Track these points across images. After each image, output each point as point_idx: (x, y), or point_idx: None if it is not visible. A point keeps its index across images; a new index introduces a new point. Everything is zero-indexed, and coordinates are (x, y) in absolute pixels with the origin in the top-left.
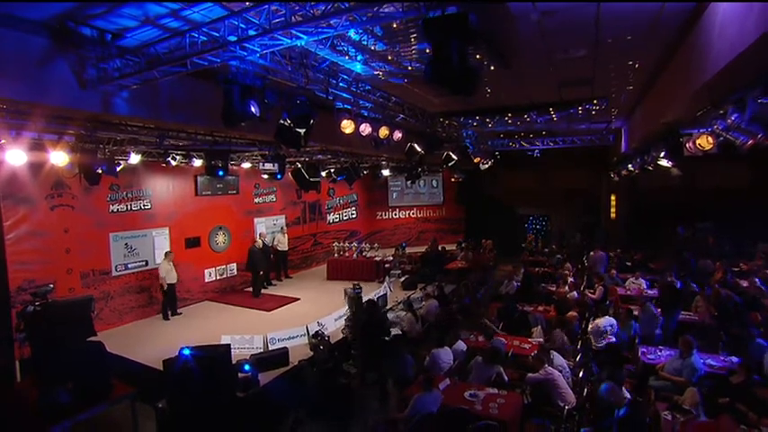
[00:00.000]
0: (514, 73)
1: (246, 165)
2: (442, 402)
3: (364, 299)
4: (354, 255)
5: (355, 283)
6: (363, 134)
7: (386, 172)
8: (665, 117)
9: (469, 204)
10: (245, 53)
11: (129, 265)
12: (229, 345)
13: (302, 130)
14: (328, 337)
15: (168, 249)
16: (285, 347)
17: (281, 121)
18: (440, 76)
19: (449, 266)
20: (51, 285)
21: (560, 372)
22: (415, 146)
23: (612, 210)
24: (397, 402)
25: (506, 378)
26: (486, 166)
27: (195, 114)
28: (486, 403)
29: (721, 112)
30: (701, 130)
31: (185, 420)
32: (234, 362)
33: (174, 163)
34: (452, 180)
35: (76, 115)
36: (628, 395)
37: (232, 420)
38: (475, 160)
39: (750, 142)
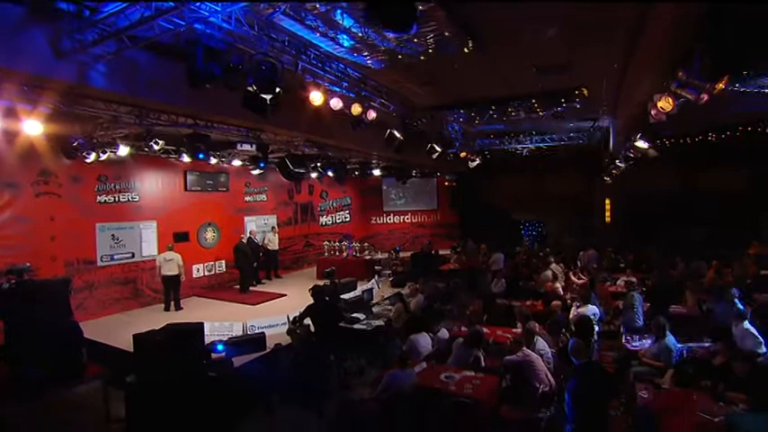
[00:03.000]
0: (491, 60)
1: (236, 162)
2: (417, 383)
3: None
4: (345, 254)
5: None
6: (335, 109)
7: (376, 172)
8: (638, 97)
9: (464, 209)
10: (207, 14)
11: (116, 257)
12: (202, 323)
13: (268, 97)
14: (308, 324)
15: (156, 242)
16: (262, 332)
17: (248, 88)
18: (377, 11)
19: (442, 268)
20: (28, 264)
21: (541, 355)
22: (395, 132)
23: (607, 214)
24: (373, 382)
25: (483, 363)
26: (475, 163)
27: (174, 94)
28: (461, 384)
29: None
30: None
31: (153, 394)
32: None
33: (156, 147)
34: (446, 184)
35: (52, 85)
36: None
37: (201, 398)
38: (461, 154)
39: (704, 97)
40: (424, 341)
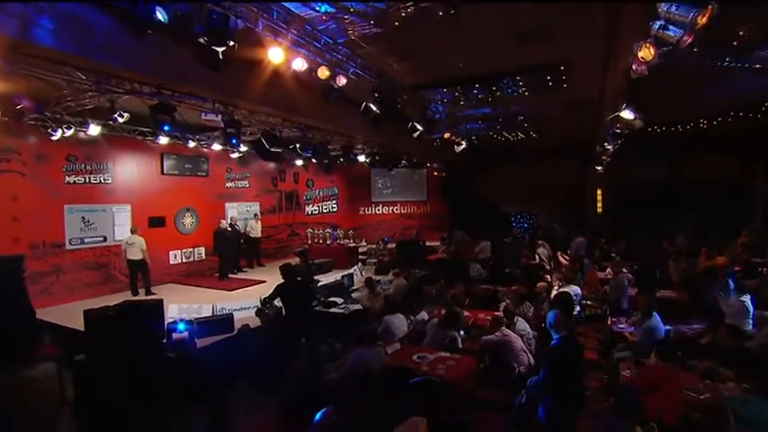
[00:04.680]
0: (472, 31)
1: (217, 147)
2: (385, 362)
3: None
4: (328, 241)
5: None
6: (300, 70)
7: (362, 158)
8: (622, 66)
9: (454, 201)
10: None
11: (86, 240)
12: (161, 300)
13: (220, 49)
14: (281, 307)
15: (130, 226)
16: (231, 313)
17: (199, 40)
18: None
19: (429, 258)
20: None
21: (522, 336)
22: (371, 105)
23: (599, 204)
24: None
25: (461, 344)
26: (461, 147)
27: (134, 60)
28: (434, 364)
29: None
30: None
31: (104, 374)
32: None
33: (120, 120)
34: (435, 174)
35: None
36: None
37: (156, 379)
38: (445, 135)
39: (687, 39)
40: (399, 322)
